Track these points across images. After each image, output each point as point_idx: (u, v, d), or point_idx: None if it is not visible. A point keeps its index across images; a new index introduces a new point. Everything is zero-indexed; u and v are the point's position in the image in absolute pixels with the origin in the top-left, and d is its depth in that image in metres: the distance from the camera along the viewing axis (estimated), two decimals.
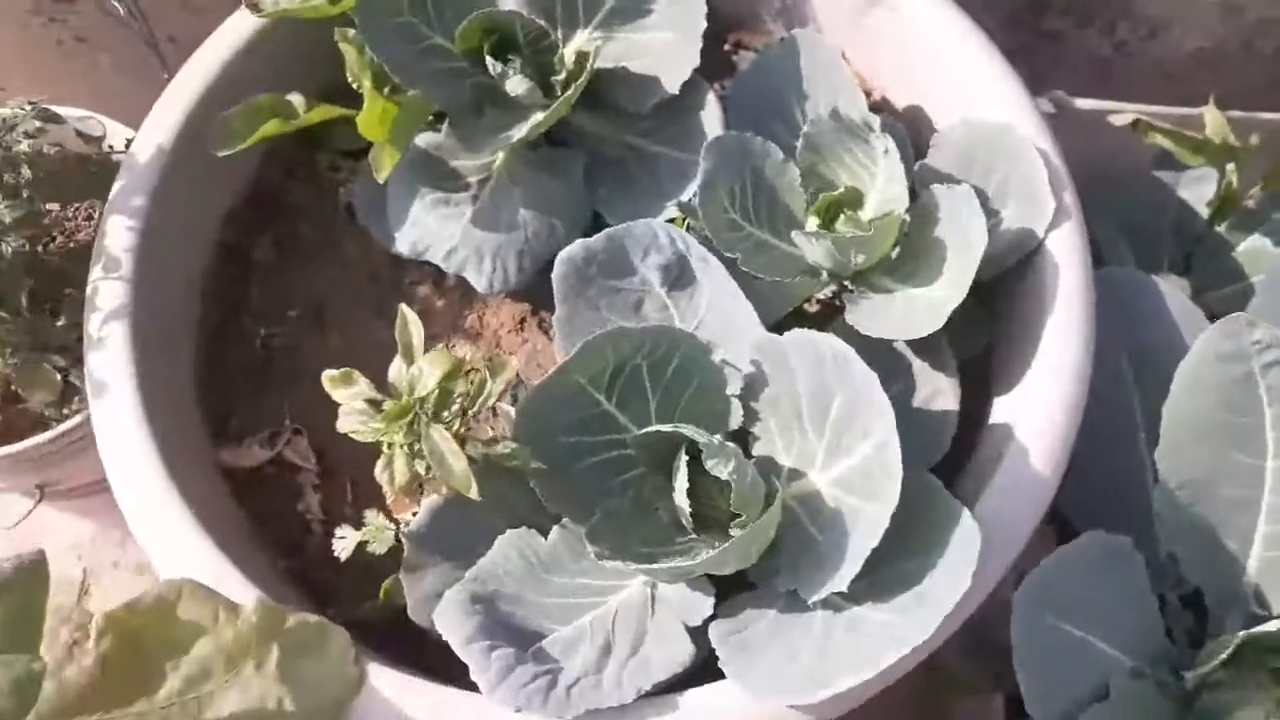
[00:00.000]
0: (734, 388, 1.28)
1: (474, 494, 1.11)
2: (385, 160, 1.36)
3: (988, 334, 1.48)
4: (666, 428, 1.19)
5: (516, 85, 1.46)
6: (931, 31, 1.51)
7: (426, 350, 1.13)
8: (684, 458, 1.20)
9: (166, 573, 1.20)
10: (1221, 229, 1.79)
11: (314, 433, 1.44)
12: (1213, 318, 1.41)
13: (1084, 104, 1.77)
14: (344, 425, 1.13)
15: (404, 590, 1.24)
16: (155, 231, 1.38)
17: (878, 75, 1.62)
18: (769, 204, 1.47)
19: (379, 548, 1.27)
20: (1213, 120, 1.69)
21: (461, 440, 1.11)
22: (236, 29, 1.48)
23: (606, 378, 1.25)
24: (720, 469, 1.16)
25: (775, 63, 1.55)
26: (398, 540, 1.27)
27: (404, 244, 1.46)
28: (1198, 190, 1.81)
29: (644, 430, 1.21)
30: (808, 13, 1.63)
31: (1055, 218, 1.35)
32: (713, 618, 1.20)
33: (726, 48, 1.73)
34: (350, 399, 1.12)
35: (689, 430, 1.18)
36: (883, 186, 1.43)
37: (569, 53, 1.52)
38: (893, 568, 1.13)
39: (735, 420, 1.28)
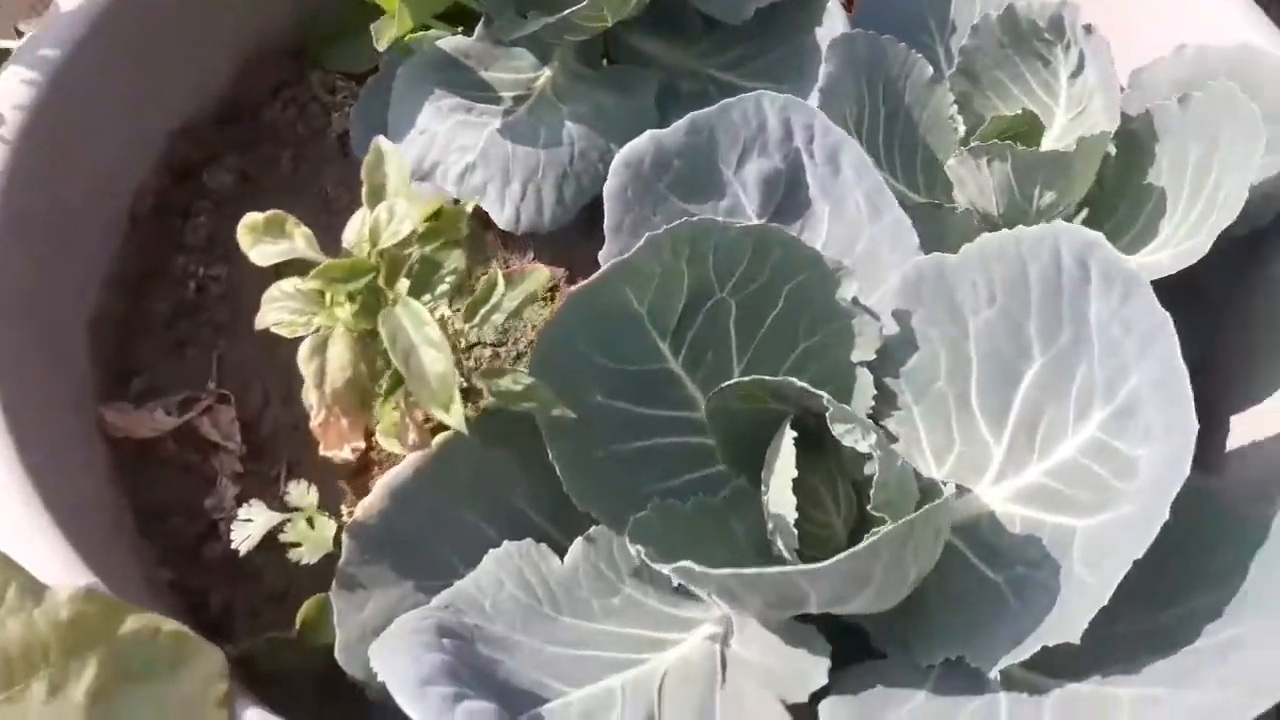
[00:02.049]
0: (863, 350, 0.84)
1: (459, 422, 0.67)
2: (391, 27, 0.99)
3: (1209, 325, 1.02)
4: (770, 378, 0.75)
5: None
6: None
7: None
8: (789, 434, 0.75)
9: None
10: None
11: (245, 404, 1.02)
12: None
13: None
14: (265, 318, 0.71)
15: (334, 618, 0.79)
16: (66, 100, 1.00)
17: None
18: (907, 138, 1.07)
19: (308, 552, 0.82)
20: None
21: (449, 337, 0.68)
22: None
23: (674, 316, 0.82)
24: (855, 440, 0.72)
25: None
26: (337, 544, 0.82)
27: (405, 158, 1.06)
28: None
29: (728, 383, 0.77)
30: None
31: None
32: (824, 693, 0.73)
33: None
34: (276, 257, 0.70)
35: (800, 385, 0.74)
36: (1069, 116, 1.03)
37: None
38: (1151, 615, 0.67)
39: (861, 404, 0.84)
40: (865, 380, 0.84)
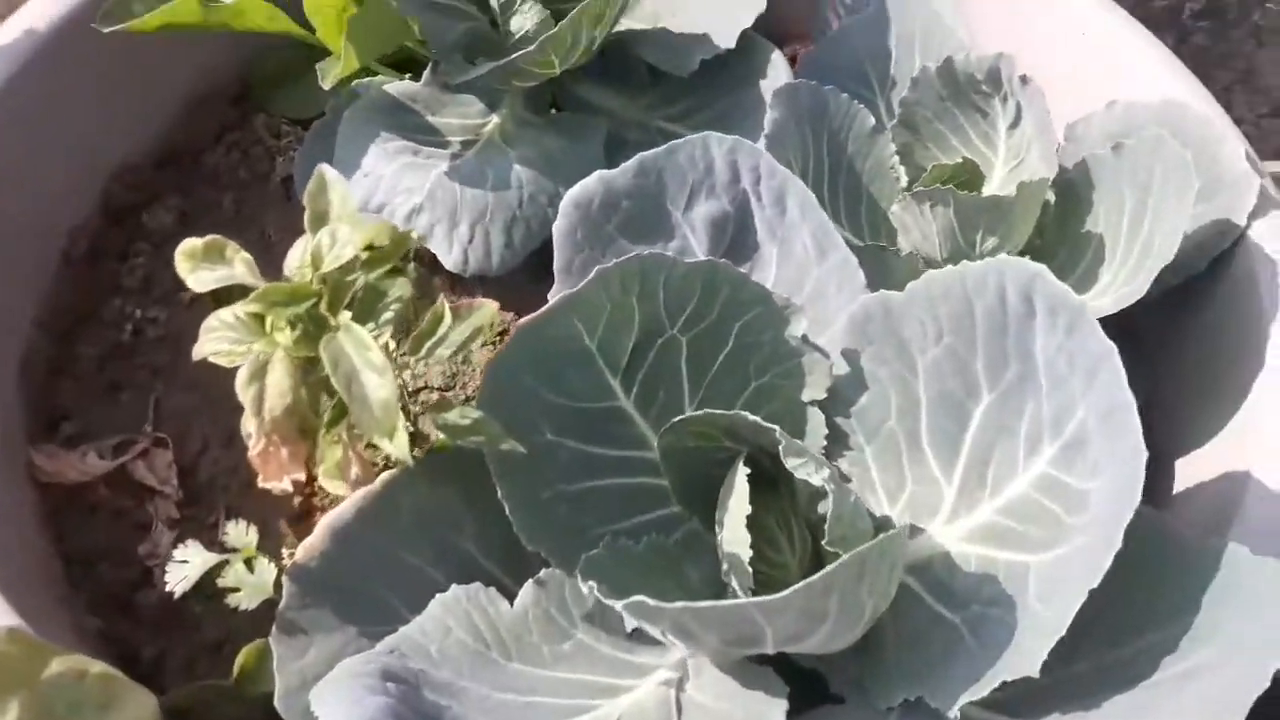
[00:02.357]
0: (814, 389, 0.84)
1: (404, 451, 0.65)
2: (335, 66, 0.98)
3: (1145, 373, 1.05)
4: (722, 413, 0.75)
5: (524, 19, 1.11)
6: (1068, 6, 1.18)
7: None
8: (742, 471, 0.75)
9: None
10: None
11: (183, 448, 0.99)
12: None
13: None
14: (203, 348, 0.69)
15: (273, 664, 0.75)
16: None
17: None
18: (851, 188, 1.09)
19: (246, 597, 0.79)
20: None
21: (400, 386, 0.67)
22: None
23: (625, 353, 0.82)
24: (808, 473, 0.72)
25: (856, 35, 1.21)
26: (277, 589, 0.79)
27: None
28: None
29: (680, 419, 0.76)
30: None
31: (1260, 203, 0.96)
32: None
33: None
34: (215, 283, 0.68)
35: (753, 419, 0.74)
36: (1008, 167, 1.05)
37: None
38: (1108, 651, 0.67)
39: (814, 444, 0.84)
40: (817, 420, 0.84)
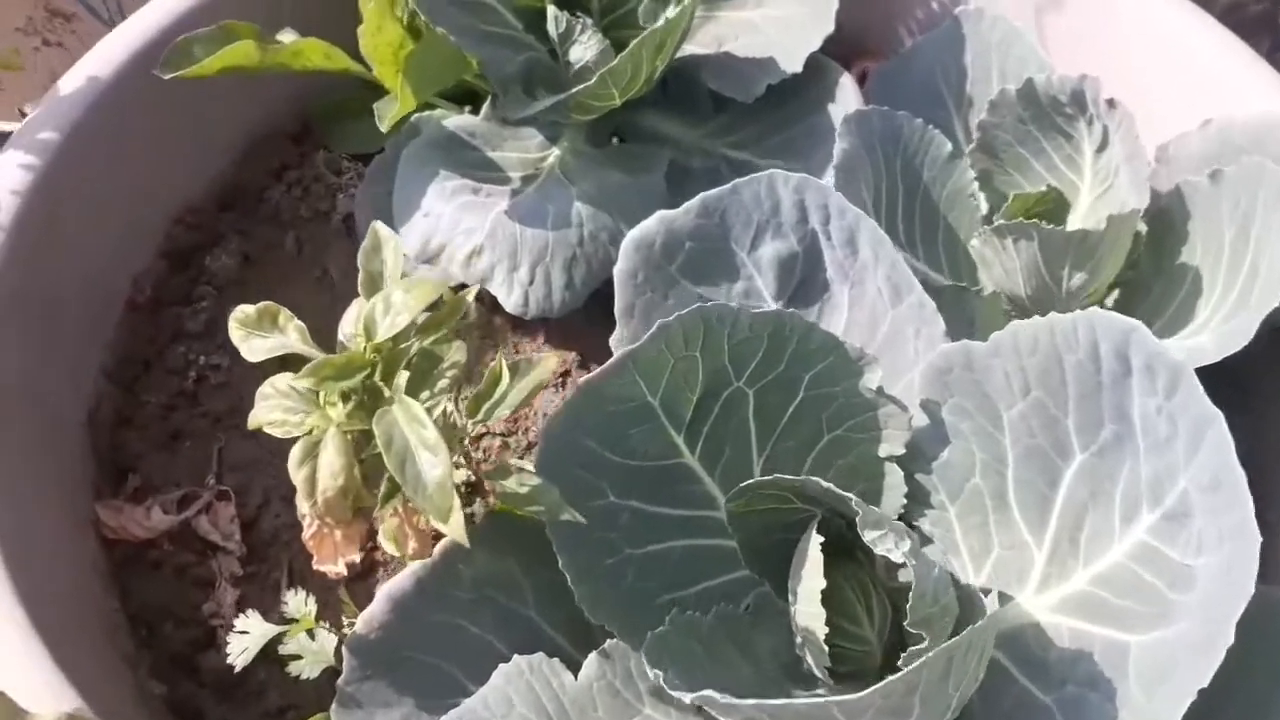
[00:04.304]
0: (892, 444, 0.80)
1: (460, 533, 0.63)
2: (393, 107, 0.96)
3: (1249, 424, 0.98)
4: (792, 478, 0.71)
5: (584, 49, 1.08)
6: (1151, 18, 1.11)
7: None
8: (815, 539, 0.71)
9: None
10: None
11: (245, 501, 0.98)
12: None
13: None
14: (257, 416, 0.67)
15: None
16: (63, 185, 0.98)
17: None
18: (927, 216, 1.04)
19: (308, 665, 0.78)
20: None
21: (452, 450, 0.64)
22: None
23: (689, 407, 0.78)
24: (888, 547, 0.67)
25: (930, 52, 1.16)
26: (339, 655, 0.77)
27: (411, 243, 1.04)
28: None
29: (748, 484, 0.72)
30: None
31: None
32: None
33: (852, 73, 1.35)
34: (268, 352, 0.67)
35: (825, 485, 0.69)
36: (1095, 193, 0.99)
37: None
38: None
39: (893, 503, 0.79)
40: (895, 477, 0.80)
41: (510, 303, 1.01)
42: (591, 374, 0.73)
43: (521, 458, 1.03)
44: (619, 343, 0.88)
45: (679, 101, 1.17)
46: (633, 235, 0.88)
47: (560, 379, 1.09)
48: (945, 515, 0.80)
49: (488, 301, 1.05)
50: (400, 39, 0.96)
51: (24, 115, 1.31)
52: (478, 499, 0.91)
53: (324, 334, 1.08)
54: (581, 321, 1.05)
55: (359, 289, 0.71)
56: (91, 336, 1.03)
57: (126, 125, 1.04)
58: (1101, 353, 0.68)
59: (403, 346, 0.67)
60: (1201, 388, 0.62)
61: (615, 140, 1.17)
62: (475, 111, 1.15)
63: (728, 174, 1.14)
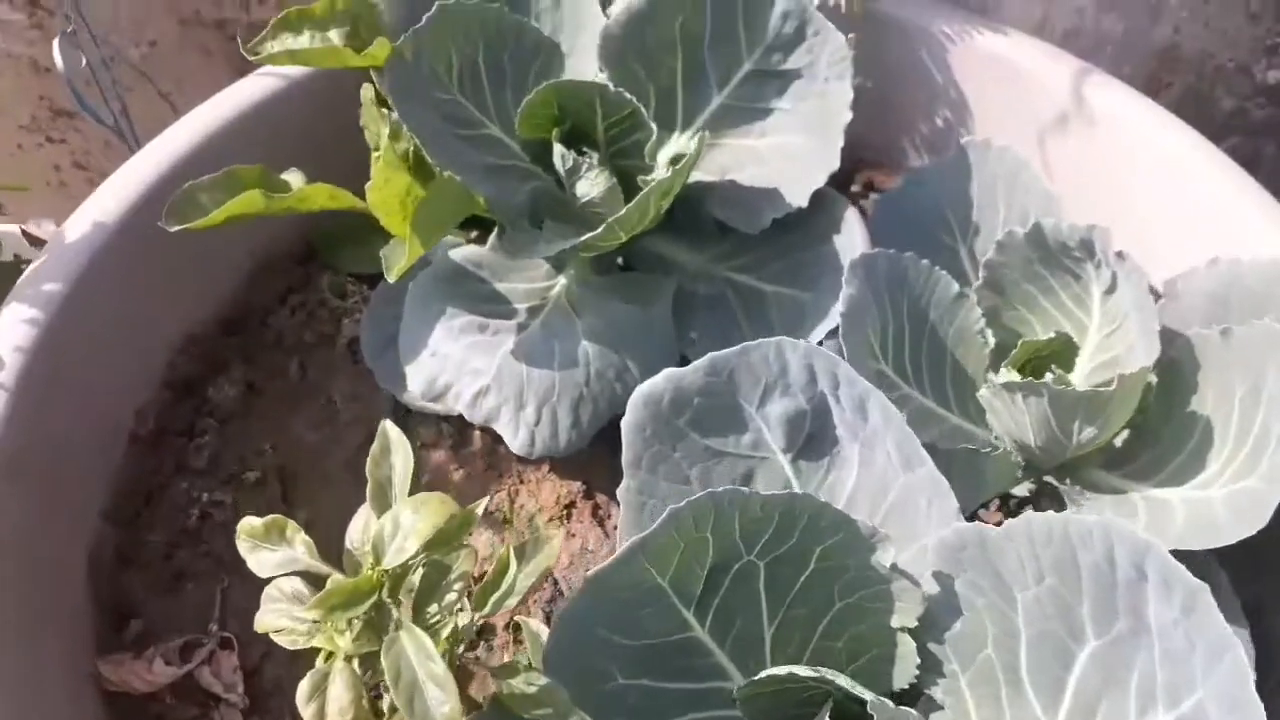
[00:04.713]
0: (904, 616, 0.79)
1: None
2: (401, 256, 0.96)
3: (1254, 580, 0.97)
4: (808, 674, 0.70)
5: (590, 184, 1.08)
6: (1156, 148, 1.11)
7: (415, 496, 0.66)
8: None
9: None
10: None
11: (248, 648, 0.97)
12: None
13: None
14: (264, 621, 0.66)
15: None
16: (68, 336, 0.98)
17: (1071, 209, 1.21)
18: (934, 356, 1.03)
19: None
20: None
21: (456, 663, 0.63)
22: (236, 94, 1.13)
23: (699, 583, 0.78)
24: None
25: (936, 180, 1.17)
26: None
27: (416, 381, 1.04)
28: None
29: (763, 676, 0.72)
30: (971, 134, 1.25)
31: None
32: None
33: (854, 189, 1.36)
34: (275, 568, 0.66)
35: (843, 681, 0.69)
36: (1105, 330, 0.99)
37: (662, 157, 1.14)
38: None
39: (904, 673, 0.78)
40: (908, 647, 0.79)
41: (516, 444, 1.01)
42: (601, 566, 0.72)
43: (524, 599, 1.02)
44: (626, 493, 0.88)
45: (684, 227, 1.17)
46: (641, 391, 0.88)
47: (565, 510, 1.08)
48: (956, 684, 0.79)
49: (493, 432, 1.05)
50: (406, 186, 0.97)
51: (27, 235, 1.32)
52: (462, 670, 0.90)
53: (325, 471, 1.09)
54: (588, 454, 1.05)
55: (368, 497, 0.71)
56: (94, 480, 1.02)
57: (131, 267, 1.04)
58: (1117, 558, 0.67)
59: (410, 561, 0.66)
60: (1217, 608, 0.62)
61: (620, 263, 1.17)
62: (482, 238, 1.15)
63: (733, 299, 1.14)
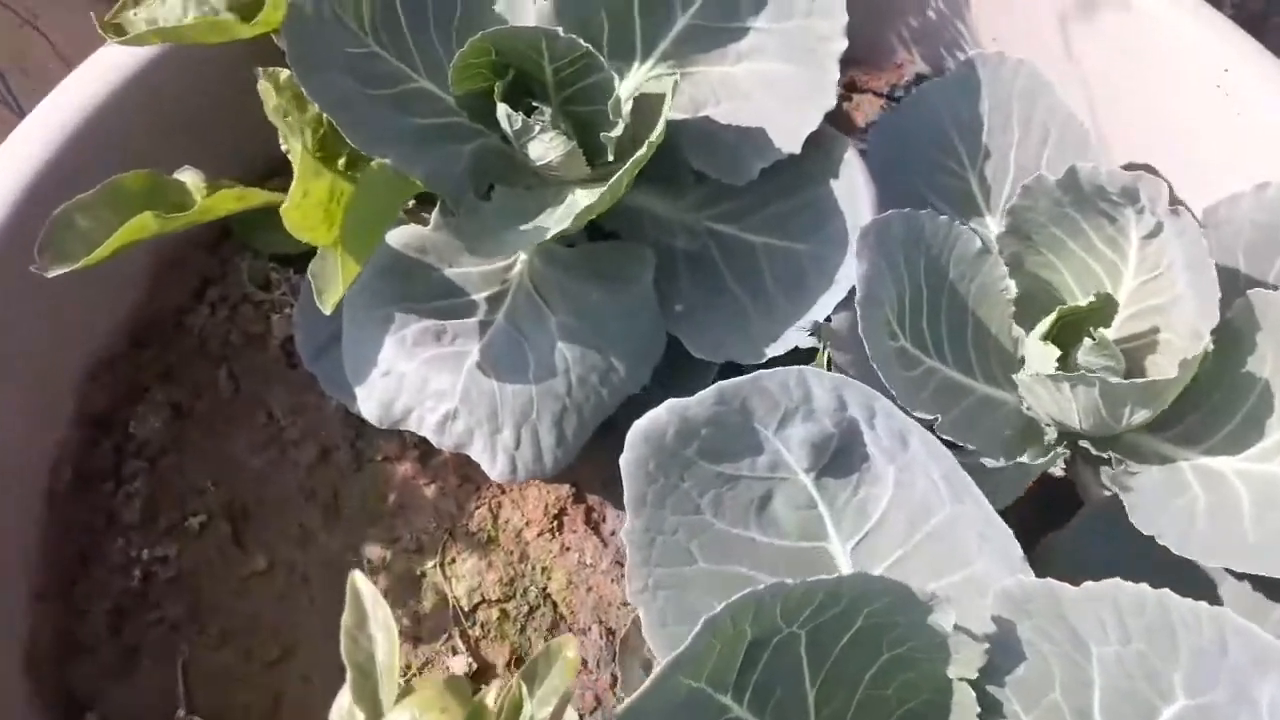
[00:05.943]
0: (962, 670, 0.71)
1: None
2: (334, 277, 0.80)
3: None
4: None
5: (544, 147, 0.92)
6: (1195, 49, 0.97)
7: (408, 691, 0.55)
8: None
9: None
10: None
11: None
12: None
13: None
14: None
15: None
16: None
17: (1096, 121, 1.06)
18: (954, 317, 0.92)
19: None
20: None
21: None
22: (101, 66, 0.92)
23: (735, 671, 0.68)
24: None
25: (940, 99, 1.01)
26: None
27: (369, 406, 0.90)
28: None
29: None
30: (971, 29, 1.09)
31: None
32: None
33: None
34: None
35: None
36: (1142, 276, 0.88)
37: (623, 94, 0.97)
38: None
39: (964, 717, 0.71)
40: (966, 695, 0.71)
41: (495, 471, 0.88)
42: (634, 698, 0.62)
43: (523, 629, 0.93)
44: (631, 533, 0.78)
45: (657, 175, 1.01)
46: (641, 426, 0.76)
47: (554, 521, 0.97)
48: None
49: None
50: (329, 189, 0.79)
51: None
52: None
53: (278, 502, 0.96)
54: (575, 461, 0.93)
55: (348, 679, 0.58)
56: (14, 556, 0.89)
57: (4, 300, 0.86)
58: (1231, 649, 0.59)
59: None
60: None
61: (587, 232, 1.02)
62: (420, 210, 0.99)
63: (718, 256, 1.00)
